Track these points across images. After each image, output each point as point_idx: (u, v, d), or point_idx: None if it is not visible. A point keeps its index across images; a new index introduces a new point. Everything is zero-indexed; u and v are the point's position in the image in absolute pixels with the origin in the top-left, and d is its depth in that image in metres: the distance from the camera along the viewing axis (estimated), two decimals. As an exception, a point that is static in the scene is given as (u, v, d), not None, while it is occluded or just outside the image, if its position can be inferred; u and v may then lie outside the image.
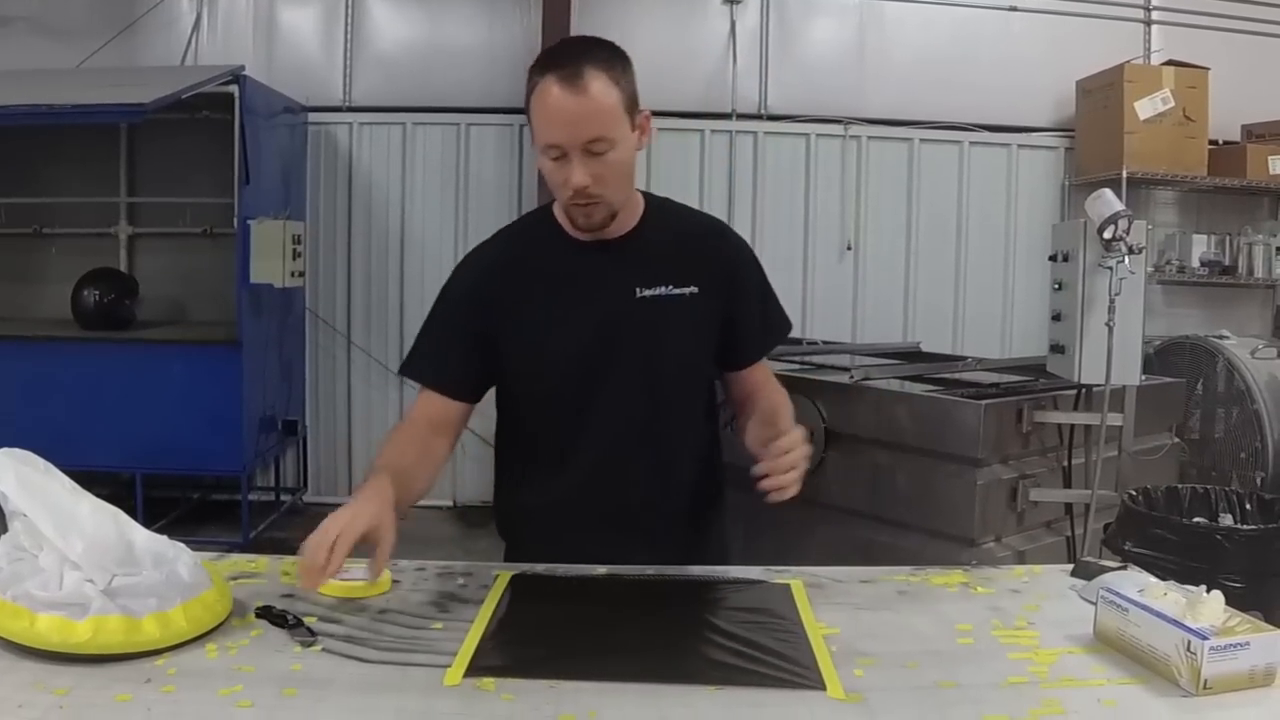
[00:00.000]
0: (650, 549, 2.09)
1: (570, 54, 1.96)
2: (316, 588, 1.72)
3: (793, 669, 1.55)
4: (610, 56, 2.00)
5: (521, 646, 1.63)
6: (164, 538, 1.71)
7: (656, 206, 2.22)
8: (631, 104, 2.00)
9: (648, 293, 2.12)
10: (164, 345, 6.15)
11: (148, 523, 1.72)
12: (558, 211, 2.15)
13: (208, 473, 6.56)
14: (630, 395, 2.14)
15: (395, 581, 1.91)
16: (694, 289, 2.14)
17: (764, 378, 2.32)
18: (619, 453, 2.16)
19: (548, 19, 6.70)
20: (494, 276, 2.15)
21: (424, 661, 1.56)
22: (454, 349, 2.18)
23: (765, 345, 2.33)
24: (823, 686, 1.49)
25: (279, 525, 6.66)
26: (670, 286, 2.13)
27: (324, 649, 1.60)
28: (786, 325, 2.37)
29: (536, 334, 2.12)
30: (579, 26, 6.79)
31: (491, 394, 2.26)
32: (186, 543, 1.76)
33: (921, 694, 1.48)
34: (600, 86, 1.93)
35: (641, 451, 2.17)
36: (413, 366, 2.24)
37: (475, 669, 1.53)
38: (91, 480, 1.82)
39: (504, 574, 1.97)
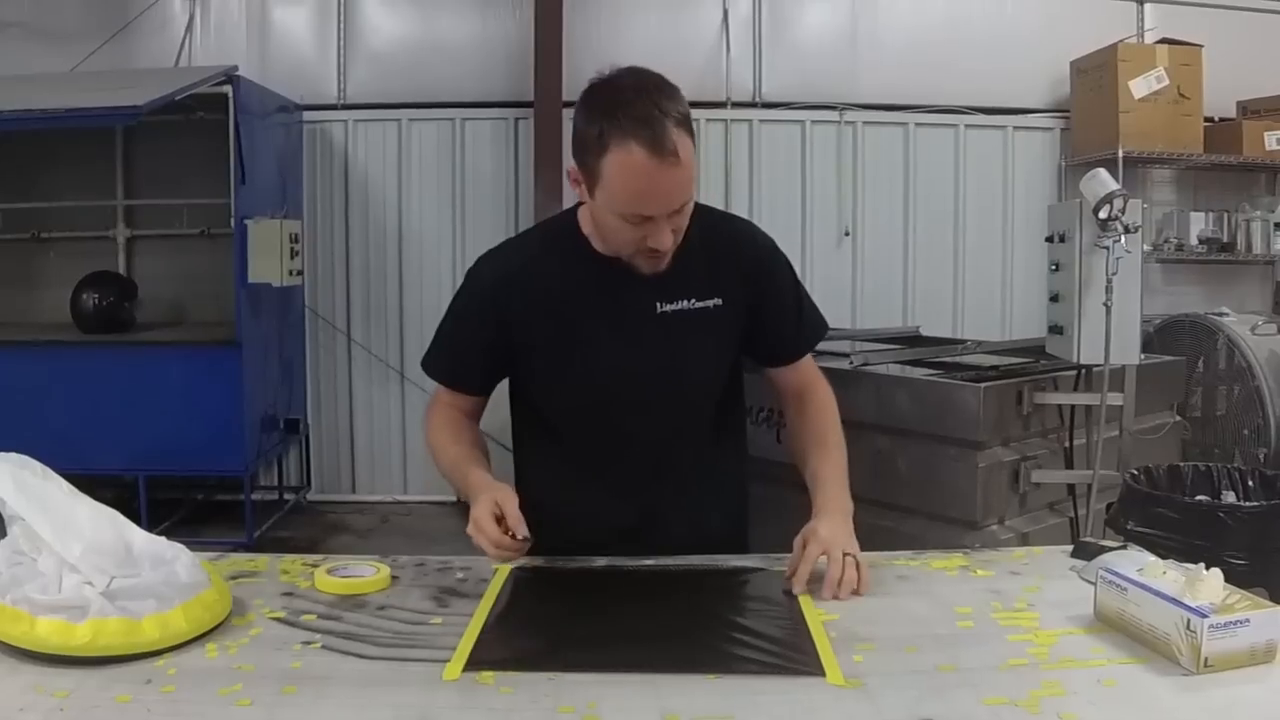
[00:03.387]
0: (669, 552, 2.05)
1: (649, 112, 1.82)
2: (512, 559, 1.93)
3: (792, 656, 1.55)
4: (678, 101, 1.88)
5: (521, 639, 1.63)
6: (162, 539, 1.71)
7: None
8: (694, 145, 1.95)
9: (669, 307, 2.08)
10: (164, 347, 6.15)
11: (151, 524, 1.73)
12: (583, 223, 2.11)
13: (210, 473, 6.55)
14: (647, 409, 2.13)
15: (394, 577, 1.91)
16: (718, 300, 2.12)
17: (811, 378, 2.28)
18: (635, 464, 2.17)
19: (540, 11, 6.69)
20: (514, 283, 2.11)
21: (423, 656, 1.56)
22: (472, 350, 2.17)
23: (803, 342, 2.28)
24: (822, 673, 1.49)
25: (283, 524, 6.68)
26: (693, 300, 2.09)
27: (324, 646, 1.60)
28: (823, 325, 2.34)
29: (556, 347, 2.10)
30: (572, 18, 6.78)
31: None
32: (191, 544, 1.76)
33: (921, 678, 1.48)
34: (686, 149, 1.85)
35: (658, 462, 2.17)
36: (434, 366, 2.24)
37: (474, 663, 1.53)
38: (94, 483, 1.82)
39: (503, 567, 1.97)
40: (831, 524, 1.97)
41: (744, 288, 2.14)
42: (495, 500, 1.93)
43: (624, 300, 2.07)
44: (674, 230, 1.92)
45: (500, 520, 1.92)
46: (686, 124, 1.87)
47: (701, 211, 2.11)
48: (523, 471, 2.30)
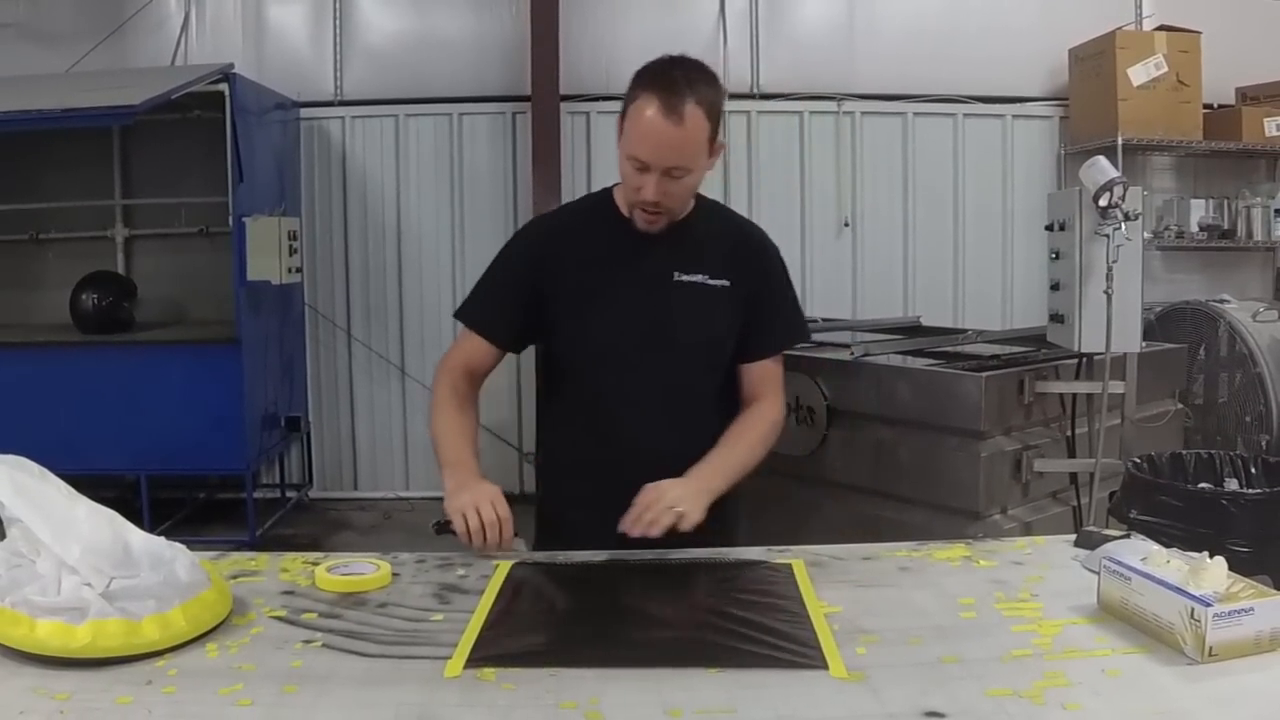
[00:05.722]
0: None
1: (677, 80, 2.13)
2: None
3: (795, 649, 1.55)
4: (712, 89, 2.18)
5: (522, 635, 1.62)
6: (161, 539, 1.71)
7: (707, 206, 2.44)
8: (715, 133, 2.20)
9: (685, 278, 2.32)
10: (164, 346, 6.15)
11: (154, 524, 1.72)
12: (618, 195, 2.36)
13: (212, 472, 6.57)
14: (659, 367, 2.32)
15: (395, 574, 1.91)
16: (726, 282, 2.34)
17: (768, 392, 2.43)
18: (645, 421, 2.33)
19: (536, 4, 6.66)
20: (551, 242, 2.39)
21: (424, 654, 1.56)
22: (507, 302, 2.38)
23: (773, 345, 2.45)
24: (825, 666, 1.49)
25: (286, 522, 6.68)
26: (706, 276, 2.33)
27: (324, 644, 1.59)
28: (802, 332, 2.55)
29: (582, 303, 2.32)
30: (568, 11, 6.76)
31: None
32: (193, 543, 1.75)
33: (924, 670, 1.48)
34: (695, 120, 2.12)
35: (665, 421, 2.33)
36: (468, 313, 2.42)
37: (475, 660, 1.52)
38: (96, 484, 1.82)
39: (504, 563, 1.97)
40: (679, 484, 2.14)
41: (747, 276, 2.37)
42: (494, 495, 2.09)
43: (646, 265, 2.32)
44: (665, 193, 2.18)
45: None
46: (710, 109, 2.15)
47: (726, 211, 2.53)
48: (543, 434, 2.55)
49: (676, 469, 2.23)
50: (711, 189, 7.65)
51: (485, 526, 2.02)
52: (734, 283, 2.35)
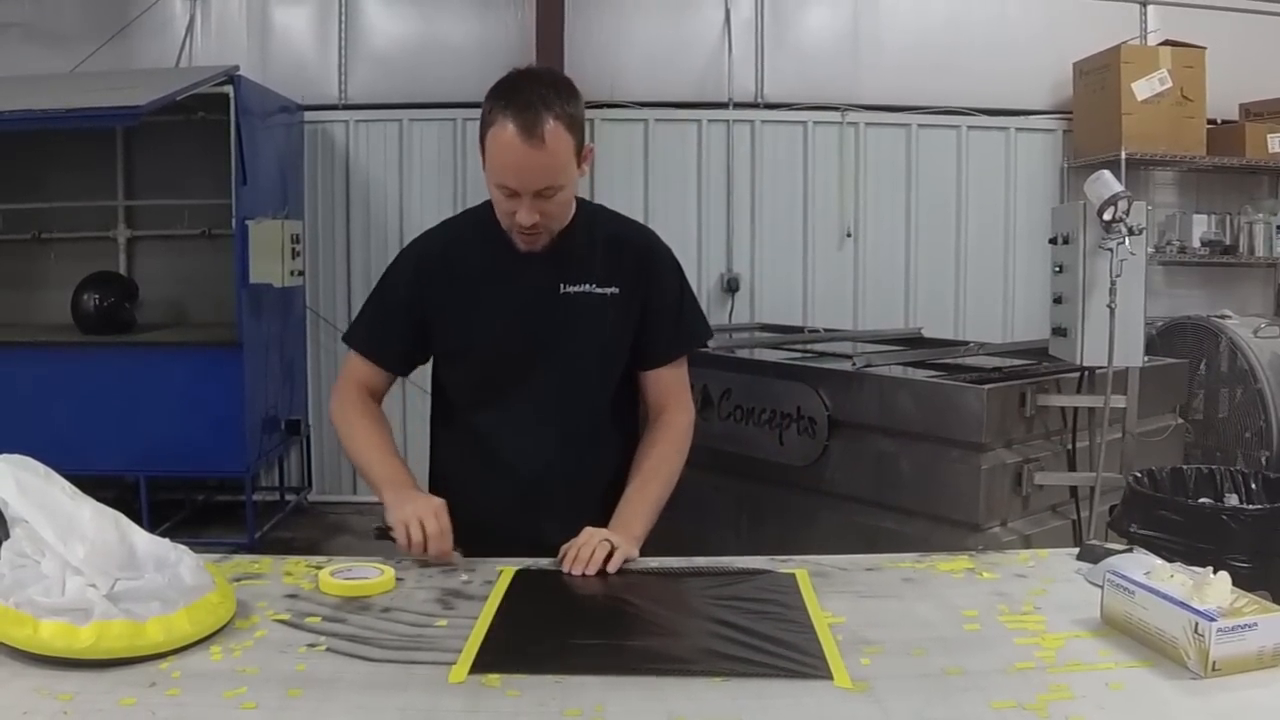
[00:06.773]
0: (564, 528, 2.11)
1: (531, 99, 2.06)
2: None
3: (799, 659, 1.55)
4: (567, 99, 2.11)
5: (526, 642, 1.63)
6: (166, 541, 1.71)
7: (589, 213, 2.36)
8: (580, 143, 2.14)
9: (571, 289, 2.28)
10: (165, 348, 6.14)
11: (153, 526, 1.72)
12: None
13: (211, 474, 6.57)
14: (549, 380, 2.29)
15: (399, 579, 1.91)
16: (615, 289, 2.30)
17: (673, 399, 2.40)
18: (535, 433, 2.31)
19: (541, 11, 6.68)
20: (433, 263, 2.33)
21: (429, 659, 1.56)
22: (392, 325, 2.35)
23: (674, 350, 2.41)
24: (829, 676, 1.49)
25: (285, 525, 6.67)
26: (593, 285, 2.29)
27: (329, 649, 1.59)
28: (701, 335, 2.48)
29: (466, 320, 2.29)
30: (573, 19, 6.78)
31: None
32: (192, 545, 1.76)
33: (928, 681, 1.48)
34: (557, 138, 2.06)
35: (557, 433, 2.31)
36: (355, 337, 2.40)
37: (480, 665, 1.52)
38: (95, 484, 1.82)
39: (508, 569, 1.97)
40: (606, 531, 2.10)
41: (636, 282, 2.33)
42: (438, 508, 2.08)
43: (530, 279, 2.27)
44: (541, 213, 2.13)
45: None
46: (570, 122, 2.09)
47: (609, 215, 2.45)
48: (434, 451, 2.52)
49: (569, 488, 2.28)
50: (715, 199, 7.68)
51: (428, 539, 2.01)
52: (623, 289, 2.31)
